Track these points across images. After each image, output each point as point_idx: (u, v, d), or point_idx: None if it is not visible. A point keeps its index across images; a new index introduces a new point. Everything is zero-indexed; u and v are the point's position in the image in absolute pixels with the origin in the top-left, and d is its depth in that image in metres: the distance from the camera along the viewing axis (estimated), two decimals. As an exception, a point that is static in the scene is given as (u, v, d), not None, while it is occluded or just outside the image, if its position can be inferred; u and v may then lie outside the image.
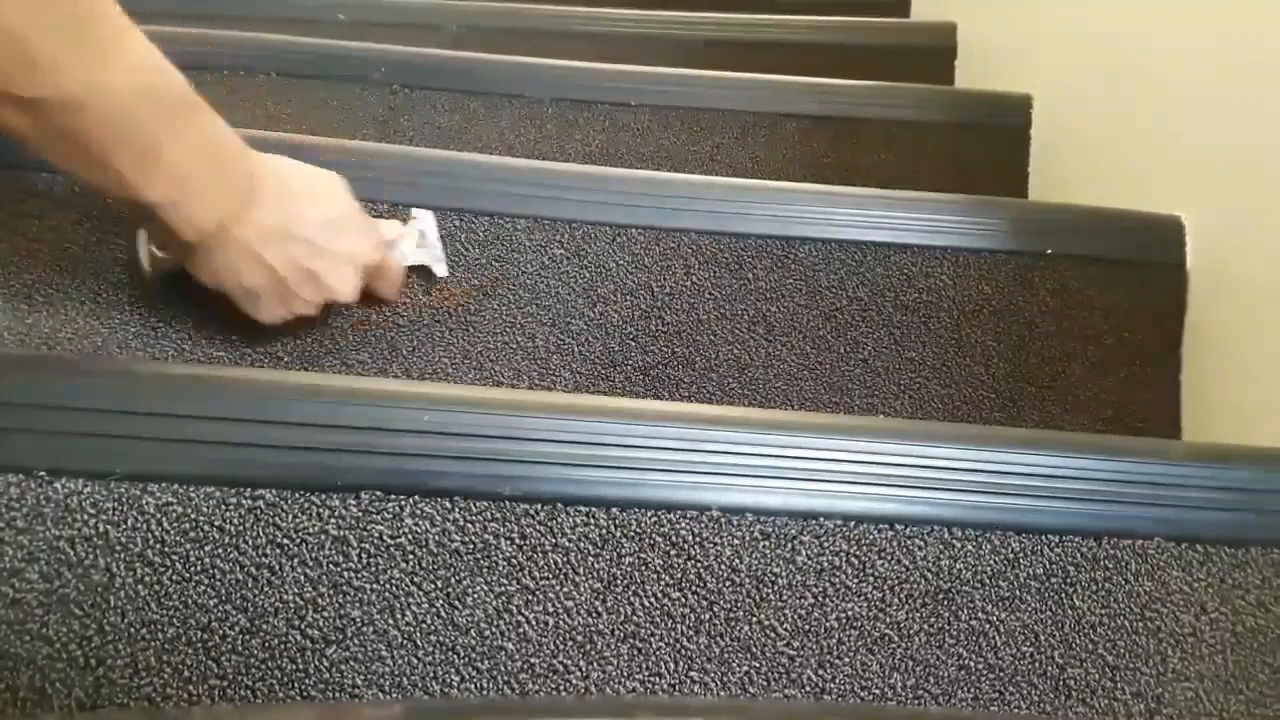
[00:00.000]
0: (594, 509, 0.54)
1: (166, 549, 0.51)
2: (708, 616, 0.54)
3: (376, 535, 0.52)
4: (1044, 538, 0.57)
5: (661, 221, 0.82)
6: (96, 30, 0.53)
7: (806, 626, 0.54)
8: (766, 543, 0.55)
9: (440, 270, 0.77)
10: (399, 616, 0.52)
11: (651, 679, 0.53)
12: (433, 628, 0.52)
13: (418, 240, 0.76)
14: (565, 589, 0.53)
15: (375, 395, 0.55)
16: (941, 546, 0.56)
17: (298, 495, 0.52)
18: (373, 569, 0.52)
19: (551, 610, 0.53)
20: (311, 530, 0.52)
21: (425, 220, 0.77)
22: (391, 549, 0.52)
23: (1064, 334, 0.84)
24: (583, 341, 0.79)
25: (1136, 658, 0.56)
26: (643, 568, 0.54)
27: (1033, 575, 0.56)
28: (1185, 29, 0.89)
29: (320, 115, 1.03)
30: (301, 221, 0.64)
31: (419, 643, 0.52)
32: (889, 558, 0.56)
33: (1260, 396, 0.77)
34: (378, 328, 0.76)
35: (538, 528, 0.54)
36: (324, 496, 0.52)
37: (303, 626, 0.51)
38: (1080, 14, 1.08)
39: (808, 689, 0.54)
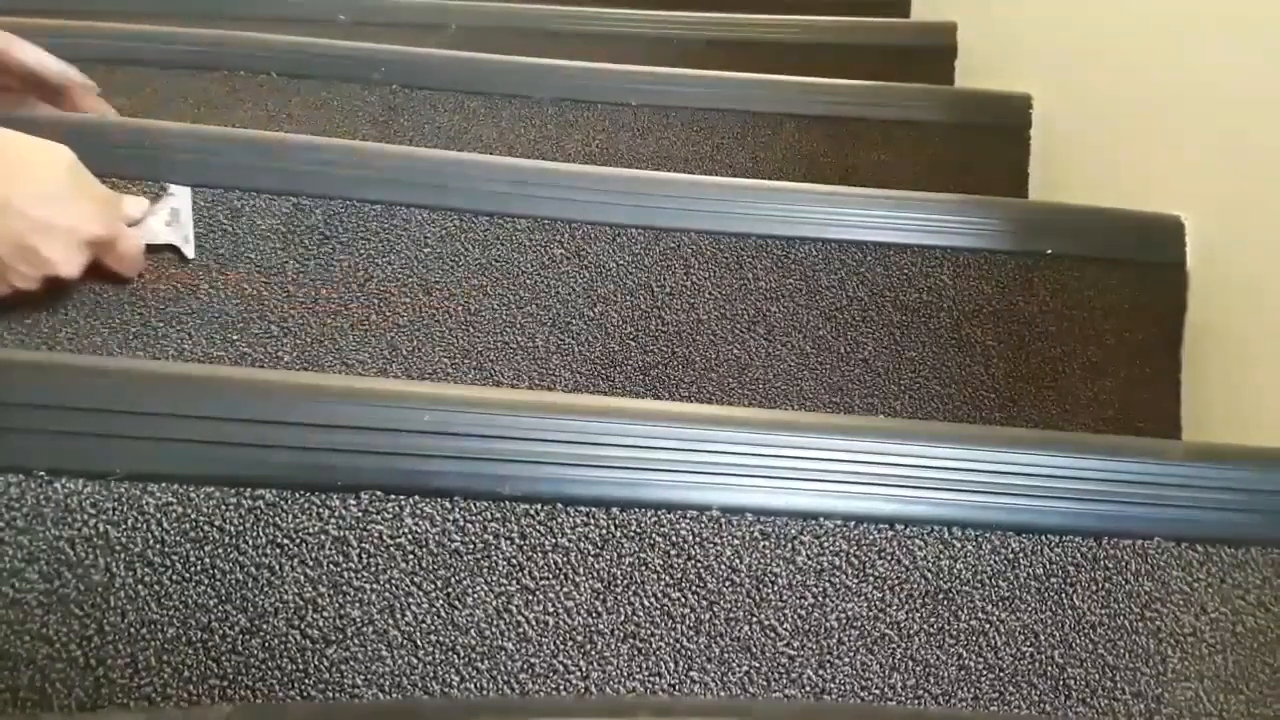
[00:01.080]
0: (594, 509, 0.54)
1: (166, 549, 0.51)
2: (708, 616, 0.54)
3: (376, 535, 0.52)
4: (1044, 538, 0.57)
5: (661, 221, 0.82)
6: None
7: (806, 626, 0.54)
8: (766, 543, 0.55)
9: (189, 251, 0.75)
10: (399, 616, 0.52)
11: (651, 679, 0.53)
12: (433, 628, 0.52)
13: (168, 218, 0.74)
14: (565, 589, 0.53)
15: (375, 395, 0.55)
16: (941, 546, 0.56)
17: (298, 495, 0.52)
18: (373, 569, 0.52)
19: (551, 610, 0.53)
20: (311, 530, 0.52)
21: (180, 198, 0.75)
22: (391, 549, 0.52)
23: (1064, 334, 0.84)
24: (583, 341, 0.79)
25: (1136, 658, 0.56)
26: (643, 568, 0.54)
27: (1033, 575, 0.56)
28: (1185, 29, 0.89)
29: (320, 115, 1.03)
30: (13, 196, 0.63)
31: (419, 643, 0.52)
32: (889, 558, 0.56)
33: (1260, 396, 0.77)
34: (377, 328, 0.76)
35: (538, 528, 0.54)
36: (324, 496, 0.52)
37: (303, 626, 0.51)
38: (1080, 14, 1.08)
39: (808, 689, 0.54)
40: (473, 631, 0.52)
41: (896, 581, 0.55)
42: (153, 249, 0.74)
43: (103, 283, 0.73)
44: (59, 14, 1.09)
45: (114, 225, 0.70)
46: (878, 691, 0.54)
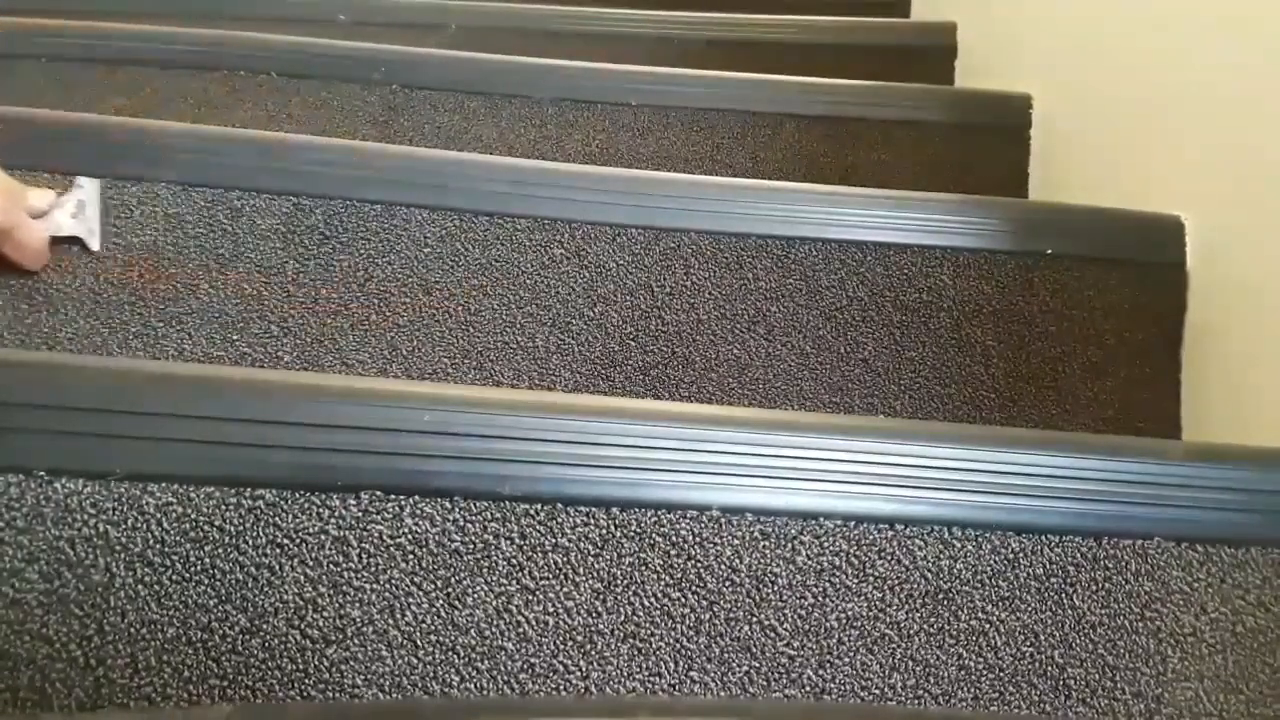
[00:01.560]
0: (594, 509, 0.54)
1: (166, 549, 0.51)
2: (708, 616, 0.54)
3: (376, 535, 0.52)
4: (1044, 538, 0.57)
5: (661, 221, 0.82)
6: None
7: (806, 626, 0.54)
8: (766, 543, 0.55)
9: (94, 245, 0.73)
10: (399, 616, 0.52)
11: (651, 679, 0.53)
12: (433, 628, 0.52)
13: (74, 210, 0.73)
14: (565, 589, 0.53)
15: (375, 395, 0.55)
16: (941, 546, 0.56)
17: (298, 495, 0.52)
18: (373, 569, 0.52)
19: (551, 610, 0.53)
20: (311, 530, 0.52)
21: (87, 190, 0.74)
22: (391, 549, 0.52)
23: (1064, 334, 0.84)
24: (583, 341, 0.79)
25: (1136, 658, 0.56)
26: (643, 568, 0.54)
27: (1033, 575, 0.56)
28: (1185, 29, 0.89)
29: (320, 115, 1.03)
30: None
31: (419, 643, 0.52)
32: (889, 558, 0.56)
33: (1260, 396, 0.77)
34: (377, 328, 0.76)
35: (538, 528, 0.53)
36: (324, 496, 0.52)
37: (303, 626, 0.51)
38: (1080, 14, 1.08)
39: (808, 689, 0.54)
40: (473, 631, 0.52)
41: (896, 581, 0.55)
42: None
43: (3, 272, 0.72)
44: (59, 14, 1.09)
45: (14, 215, 0.69)
46: (878, 691, 0.54)
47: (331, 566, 0.52)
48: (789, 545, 0.55)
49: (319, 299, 0.76)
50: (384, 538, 0.52)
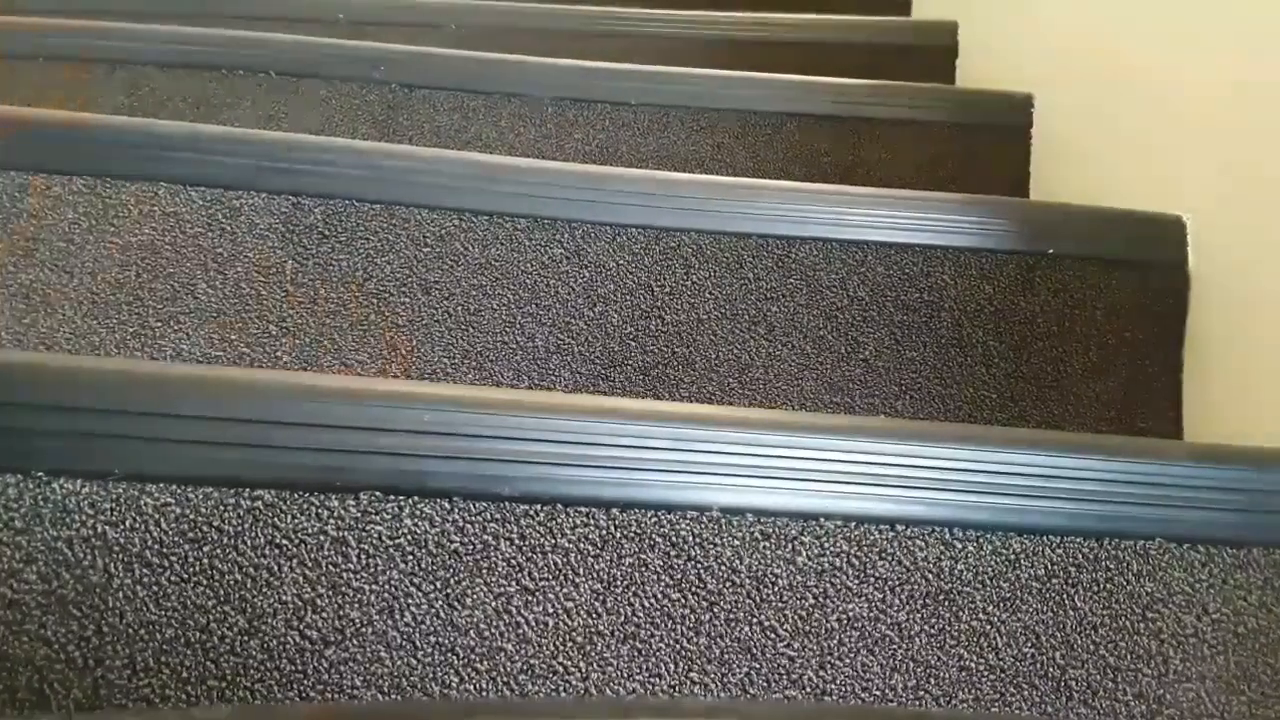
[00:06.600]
0: (594, 509, 0.54)
1: (165, 550, 0.51)
2: (708, 617, 0.54)
3: (375, 536, 0.52)
4: (1045, 538, 0.57)
5: (661, 221, 0.81)
6: None
7: (807, 627, 0.54)
8: (767, 543, 0.55)
9: None
10: (398, 617, 0.52)
11: (651, 680, 0.53)
12: (432, 629, 0.52)
13: None
14: (565, 590, 0.53)
15: (375, 395, 0.55)
16: (942, 547, 0.56)
17: (297, 496, 0.52)
18: (372, 570, 0.52)
19: (551, 611, 0.53)
20: (310, 531, 0.52)
21: None
22: (390, 550, 0.52)
23: (1065, 334, 0.84)
24: (583, 341, 0.79)
25: (1138, 659, 0.56)
26: (643, 568, 0.54)
27: (1034, 576, 0.56)
28: (1186, 29, 0.89)
29: (320, 115, 1.03)
30: None
31: (418, 644, 0.52)
32: (890, 558, 0.55)
33: (1261, 396, 0.77)
34: (377, 328, 0.76)
35: (537, 528, 0.53)
36: (323, 497, 0.52)
37: (301, 627, 0.51)
38: (1081, 14, 1.08)
39: (808, 690, 0.54)
40: (472, 633, 0.52)
41: (897, 582, 0.55)
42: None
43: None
44: (60, 14, 1.08)
45: None
46: (879, 693, 0.54)
47: (330, 567, 0.52)
48: (789, 546, 0.55)
49: (318, 299, 0.75)
50: (383, 538, 0.52)
